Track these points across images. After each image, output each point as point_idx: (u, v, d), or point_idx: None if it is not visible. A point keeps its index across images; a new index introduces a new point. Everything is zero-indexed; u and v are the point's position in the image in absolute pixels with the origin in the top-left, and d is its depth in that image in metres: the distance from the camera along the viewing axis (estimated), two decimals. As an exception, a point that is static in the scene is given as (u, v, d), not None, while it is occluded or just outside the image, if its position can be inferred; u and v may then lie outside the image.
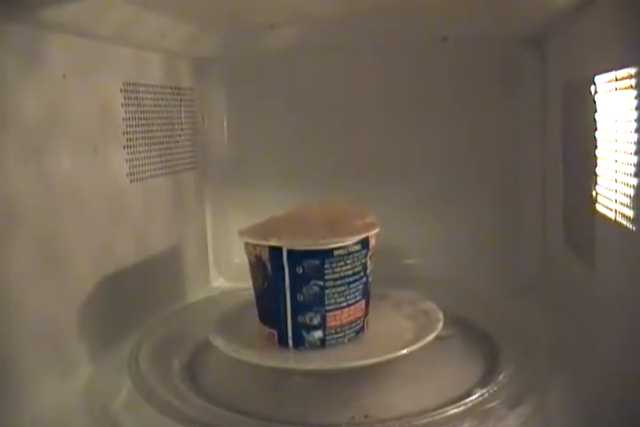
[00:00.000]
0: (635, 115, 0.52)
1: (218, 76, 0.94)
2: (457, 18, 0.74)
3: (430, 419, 0.50)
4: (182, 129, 0.88)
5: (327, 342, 0.60)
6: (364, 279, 0.61)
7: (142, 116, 0.77)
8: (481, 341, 0.66)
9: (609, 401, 0.53)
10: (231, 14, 0.70)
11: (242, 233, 0.62)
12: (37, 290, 0.58)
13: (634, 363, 0.52)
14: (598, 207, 0.62)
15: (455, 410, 0.51)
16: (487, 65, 0.88)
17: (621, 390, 0.52)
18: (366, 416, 0.53)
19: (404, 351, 0.57)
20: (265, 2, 0.66)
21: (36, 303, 0.58)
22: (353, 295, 0.60)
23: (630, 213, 0.53)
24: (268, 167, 0.95)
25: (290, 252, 0.58)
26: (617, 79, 0.56)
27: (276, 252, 0.58)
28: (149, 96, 0.79)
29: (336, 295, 0.59)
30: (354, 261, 0.60)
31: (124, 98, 0.73)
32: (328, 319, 0.59)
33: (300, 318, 0.59)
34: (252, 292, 0.63)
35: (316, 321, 0.59)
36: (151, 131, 0.79)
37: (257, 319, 0.63)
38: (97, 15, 0.61)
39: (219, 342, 0.61)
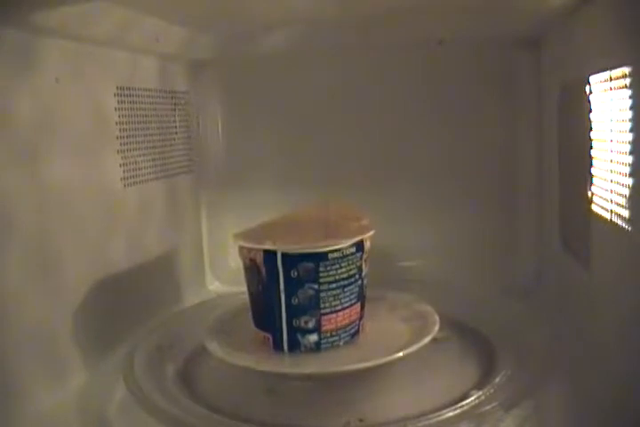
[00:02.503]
0: (629, 114, 0.51)
1: (213, 80, 0.94)
2: (453, 20, 0.74)
3: (426, 422, 0.50)
4: (177, 133, 0.88)
5: (322, 346, 0.59)
6: (360, 282, 0.61)
7: (136, 120, 0.77)
8: (477, 343, 0.66)
9: (606, 404, 0.52)
10: (226, 17, 0.70)
11: (236, 237, 0.62)
12: (31, 295, 0.57)
13: (632, 365, 0.51)
14: (594, 208, 0.62)
15: (451, 413, 0.51)
16: (483, 67, 0.88)
17: (619, 393, 0.52)
18: (361, 420, 0.53)
19: (400, 354, 0.57)
20: (260, 4, 0.66)
21: (30, 309, 0.57)
22: (348, 298, 0.60)
23: (626, 213, 0.53)
24: (263, 171, 0.95)
25: (284, 255, 0.58)
26: (611, 79, 0.56)
27: (270, 255, 0.58)
28: (143, 100, 0.79)
29: (331, 299, 0.59)
30: (349, 264, 0.59)
31: (118, 102, 0.73)
32: (323, 323, 0.59)
33: (294, 322, 0.59)
34: (247, 296, 0.63)
35: (311, 325, 0.59)
36: (145, 135, 0.79)
37: (252, 323, 0.63)
38: (89, 19, 0.61)
39: (214, 346, 0.61)
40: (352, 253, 0.60)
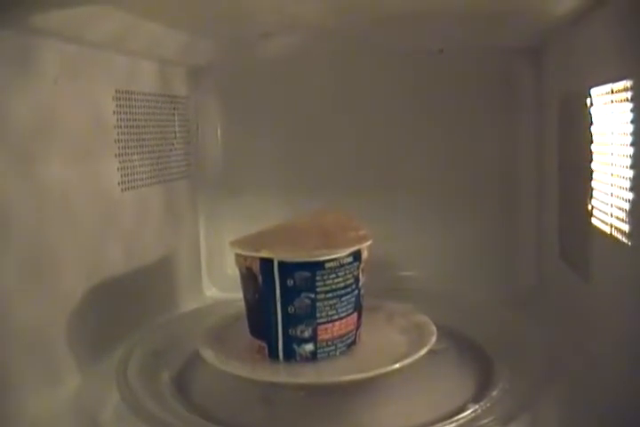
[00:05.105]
0: (630, 128, 0.51)
1: (212, 85, 0.94)
2: (454, 30, 0.73)
3: (422, 436, 0.50)
4: (175, 137, 0.87)
5: (318, 356, 0.59)
6: (356, 292, 0.61)
7: (134, 124, 0.76)
8: (475, 355, 0.65)
9: (605, 417, 0.52)
10: (225, 23, 0.70)
11: (233, 244, 0.61)
12: (26, 300, 0.57)
13: (631, 377, 0.51)
14: (594, 221, 0.61)
15: (448, 427, 0.51)
16: (484, 77, 0.88)
17: (618, 405, 0.52)
18: (356, 432, 0.53)
19: (397, 366, 0.56)
20: (259, 10, 0.65)
21: (25, 313, 0.57)
22: (345, 308, 0.59)
23: (626, 227, 0.53)
24: (262, 177, 0.94)
25: (281, 264, 0.57)
26: (613, 92, 0.56)
27: (266, 263, 0.58)
28: (142, 104, 0.78)
29: (327, 308, 0.58)
30: (346, 274, 0.59)
31: (116, 105, 0.72)
32: (319, 332, 0.59)
33: (290, 331, 0.58)
34: (243, 303, 0.63)
35: (307, 334, 0.58)
36: (144, 139, 0.78)
37: (248, 331, 0.62)
38: (88, 22, 0.60)
39: (209, 354, 0.60)
40: (349, 263, 0.59)
